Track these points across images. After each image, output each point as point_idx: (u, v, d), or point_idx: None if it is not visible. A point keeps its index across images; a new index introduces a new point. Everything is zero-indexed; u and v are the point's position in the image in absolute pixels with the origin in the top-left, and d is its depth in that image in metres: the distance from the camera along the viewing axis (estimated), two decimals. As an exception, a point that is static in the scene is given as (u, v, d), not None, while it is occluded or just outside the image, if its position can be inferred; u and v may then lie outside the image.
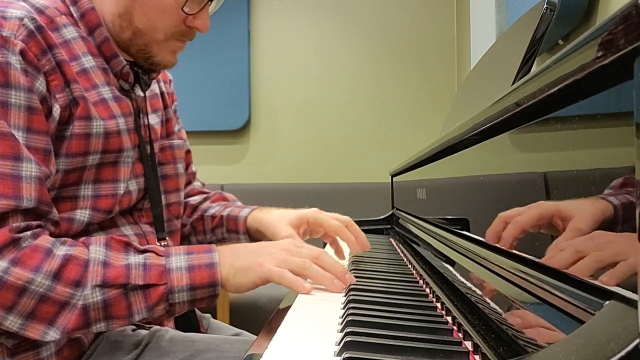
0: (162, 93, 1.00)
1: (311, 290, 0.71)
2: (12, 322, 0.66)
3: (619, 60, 0.28)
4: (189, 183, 1.14)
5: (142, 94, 0.90)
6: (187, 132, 1.12)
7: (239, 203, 1.13)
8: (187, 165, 1.12)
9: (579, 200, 0.36)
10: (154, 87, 0.98)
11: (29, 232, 0.68)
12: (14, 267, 0.65)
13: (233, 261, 0.74)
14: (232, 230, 1.05)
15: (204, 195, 1.14)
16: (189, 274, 0.71)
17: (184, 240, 1.12)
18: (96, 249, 0.71)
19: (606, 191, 0.32)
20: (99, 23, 0.82)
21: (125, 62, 0.84)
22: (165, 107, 1.00)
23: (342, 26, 2.94)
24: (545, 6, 0.76)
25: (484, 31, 2.01)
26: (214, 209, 1.09)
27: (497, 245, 0.53)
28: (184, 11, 0.81)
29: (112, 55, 0.83)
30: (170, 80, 1.06)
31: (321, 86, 2.94)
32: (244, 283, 0.73)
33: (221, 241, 1.08)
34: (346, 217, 0.97)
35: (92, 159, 0.78)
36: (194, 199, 1.12)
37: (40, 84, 0.72)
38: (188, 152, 1.11)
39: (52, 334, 0.67)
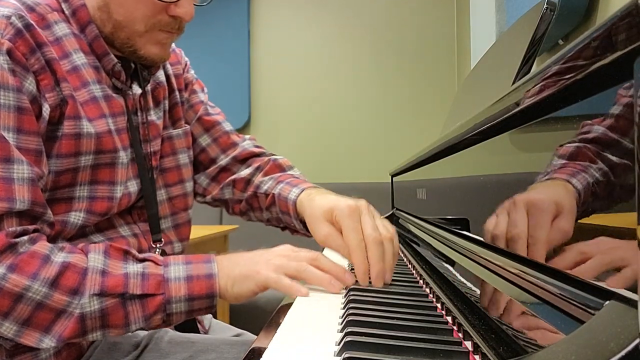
0: (167, 76, 0.95)
1: (307, 293, 0.70)
2: (8, 329, 0.65)
3: (619, 60, 0.28)
4: (233, 145, 1.04)
5: (139, 91, 0.88)
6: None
7: (293, 172, 1.01)
8: (227, 133, 1.04)
9: (577, 201, 0.36)
10: (158, 75, 0.93)
11: (26, 237, 0.67)
12: (11, 274, 0.64)
13: (231, 271, 0.73)
14: (285, 212, 0.94)
15: (257, 165, 1.02)
16: (187, 284, 0.71)
17: (243, 215, 1.04)
18: (95, 256, 0.70)
19: (606, 191, 0.32)
20: (90, 20, 0.80)
21: (116, 60, 0.82)
22: (172, 91, 0.95)
23: (342, 26, 2.93)
24: (545, 6, 0.76)
25: (484, 31, 2.01)
26: (267, 184, 0.98)
27: (499, 246, 0.53)
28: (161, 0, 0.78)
29: (103, 53, 0.81)
30: (186, 63, 1.01)
31: (321, 86, 2.94)
32: (242, 292, 0.72)
33: (278, 220, 0.99)
34: (380, 236, 0.74)
35: (85, 159, 0.76)
36: (245, 172, 1.01)
37: (30, 84, 0.70)
38: (227, 132, 1.04)
39: (48, 342, 0.66)
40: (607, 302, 0.31)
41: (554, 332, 0.36)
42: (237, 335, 0.99)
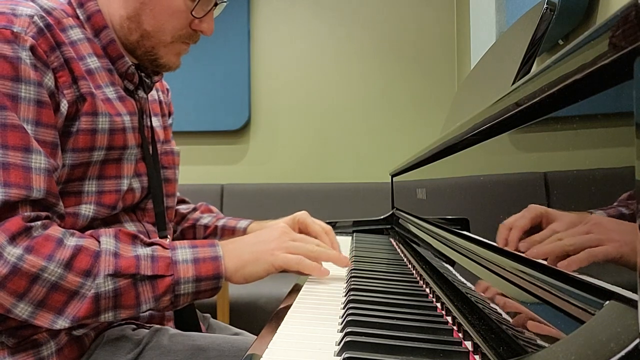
0: (160, 102, 1.03)
1: (329, 273, 0.80)
2: (23, 310, 0.67)
3: (619, 60, 0.28)
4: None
5: (145, 96, 0.92)
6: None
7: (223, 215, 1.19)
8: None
9: (578, 203, 0.36)
10: (154, 93, 1.00)
11: (39, 222, 0.70)
12: (28, 255, 0.67)
13: (240, 254, 0.77)
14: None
15: (192, 206, 1.18)
16: (195, 266, 0.74)
17: None
18: (107, 239, 0.73)
19: (606, 191, 0.32)
20: (105, 25, 0.84)
21: (130, 63, 0.86)
22: (163, 115, 1.03)
23: (342, 26, 2.94)
24: (545, 6, 0.76)
25: (484, 31, 2.01)
26: (206, 219, 1.14)
27: (499, 246, 0.53)
28: (192, 15, 0.84)
29: (117, 56, 0.85)
30: (167, 90, 1.08)
31: (321, 86, 2.94)
32: (257, 272, 0.77)
33: None
34: (328, 226, 1.02)
35: (97, 154, 0.79)
36: (182, 207, 1.16)
37: (49, 80, 0.73)
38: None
39: (62, 323, 0.69)
40: (607, 302, 0.31)
41: (554, 332, 0.36)
42: (237, 335, 0.99)
